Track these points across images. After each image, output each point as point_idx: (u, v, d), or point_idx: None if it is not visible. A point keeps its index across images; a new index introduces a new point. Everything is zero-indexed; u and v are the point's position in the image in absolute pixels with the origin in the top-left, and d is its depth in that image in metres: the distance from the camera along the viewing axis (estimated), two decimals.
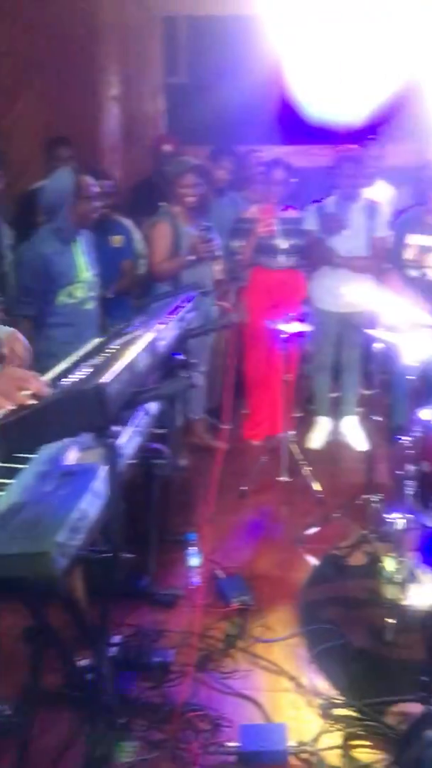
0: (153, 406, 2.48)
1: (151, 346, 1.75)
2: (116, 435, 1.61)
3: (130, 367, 1.57)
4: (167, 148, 5.08)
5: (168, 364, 2.15)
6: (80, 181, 3.29)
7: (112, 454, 1.65)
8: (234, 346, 4.74)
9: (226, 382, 3.79)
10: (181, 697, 2.55)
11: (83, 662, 2.35)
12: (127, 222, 4.42)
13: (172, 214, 4.16)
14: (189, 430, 4.58)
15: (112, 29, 5.41)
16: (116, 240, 4.24)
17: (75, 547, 1.66)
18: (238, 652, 2.88)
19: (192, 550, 3.29)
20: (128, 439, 2.15)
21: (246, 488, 4.08)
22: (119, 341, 1.72)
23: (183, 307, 2.17)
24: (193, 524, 3.48)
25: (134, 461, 2.19)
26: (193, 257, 4.06)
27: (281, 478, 4.13)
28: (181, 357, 2.14)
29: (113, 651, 2.73)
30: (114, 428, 1.64)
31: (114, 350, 1.63)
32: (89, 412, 1.43)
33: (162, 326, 1.94)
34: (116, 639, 2.78)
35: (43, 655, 2.21)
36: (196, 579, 3.21)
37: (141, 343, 1.72)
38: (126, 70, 5.53)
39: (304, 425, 4.90)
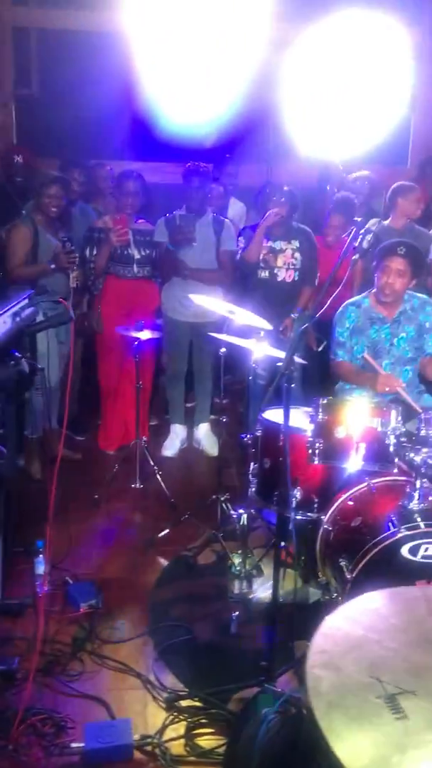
0: None
1: None
2: None
3: None
4: (18, 159, 5.03)
5: (5, 361, 2.13)
6: None
7: None
8: (79, 354, 4.77)
9: (69, 389, 3.82)
10: (24, 702, 2.50)
11: None
12: None
13: (34, 220, 4.15)
14: (46, 440, 4.51)
15: None
16: None
17: None
18: (85, 655, 2.87)
19: (40, 558, 3.24)
20: None
21: (98, 496, 4.08)
22: None
23: (19, 303, 2.18)
24: (42, 533, 3.43)
25: None
26: (53, 266, 4.07)
27: (134, 485, 4.18)
28: (18, 354, 2.14)
29: None
30: None
31: None
32: None
33: None
34: None
35: None
36: (45, 586, 3.17)
37: None
38: None
39: (160, 433, 4.97)
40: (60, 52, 5.84)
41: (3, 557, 3.14)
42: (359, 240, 2.58)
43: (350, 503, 2.96)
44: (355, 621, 1.46)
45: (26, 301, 2.20)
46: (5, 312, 2.03)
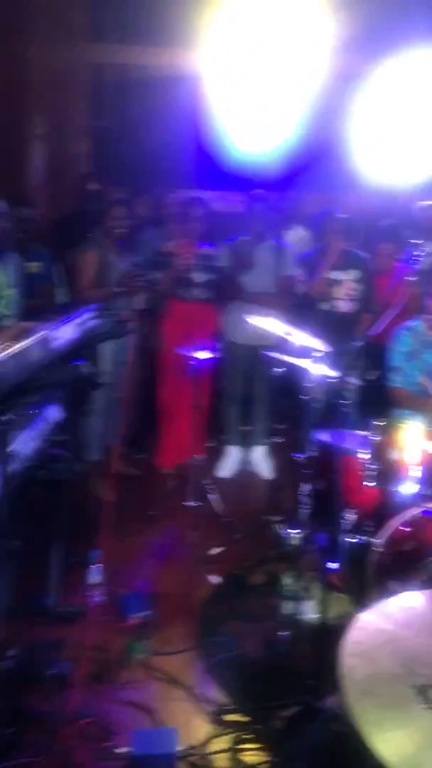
0: (54, 413, 2.57)
1: (43, 341, 1.85)
2: (6, 421, 1.69)
3: (18, 355, 1.66)
4: (92, 186, 5.25)
5: (70, 370, 2.23)
6: None
7: (2, 441, 1.72)
8: (140, 374, 4.88)
9: (127, 408, 3.90)
10: (74, 706, 2.56)
11: None
12: (46, 252, 4.52)
13: (101, 244, 4.31)
14: (105, 458, 4.61)
15: (41, 74, 5.62)
16: (33, 266, 4.31)
17: None
18: (134, 665, 2.91)
19: (95, 568, 3.32)
20: (26, 441, 2.24)
21: (153, 512, 4.15)
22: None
23: (84, 314, 2.29)
24: (98, 544, 3.52)
25: (32, 464, 2.27)
26: (121, 289, 4.21)
27: (189, 504, 4.23)
28: (83, 362, 2.23)
29: (8, 663, 2.74)
30: (4, 416, 1.73)
31: (5, 345, 1.72)
32: None
33: (59, 327, 2.05)
34: (12, 652, 2.79)
35: None
36: (98, 596, 3.24)
37: (33, 338, 1.82)
38: (53, 112, 5.72)
39: (216, 454, 5.03)
40: (133, 85, 6.08)
41: (59, 565, 3.24)
42: (418, 261, 2.60)
43: (404, 527, 2.93)
44: (391, 617, 1.47)
45: (91, 313, 2.31)
46: (71, 321, 2.14)
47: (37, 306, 4.24)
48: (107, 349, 4.11)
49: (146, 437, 5.12)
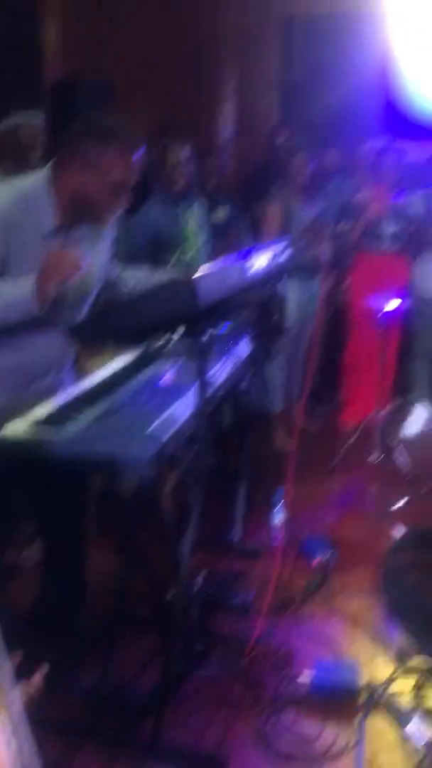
0: (245, 351, 2.64)
1: (239, 267, 1.90)
2: (208, 337, 1.76)
3: (218, 274, 1.72)
4: (280, 139, 5.24)
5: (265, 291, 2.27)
6: (167, 149, 3.47)
7: (202, 355, 1.80)
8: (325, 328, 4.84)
9: (312, 361, 3.88)
10: (257, 633, 2.65)
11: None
12: (233, 203, 4.60)
13: (285, 194, 4.31)
14: (290, 410, 4.65)
15: (231, 30, 5.69)
16: (219, 216, 4.38)
17: (162, 441, 1.84)
18: (316, 603, 2.95)
19: (278, 508, 3.38)
20: (218, 370, 2.33)
21: (336, 464, 4.14)
22: None
23: (279, 244, 2.32)
24: (281, 487, 3.58)
25: (223, 394, 2.36)
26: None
27: (372, 458, 4.16)
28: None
29: (196, 587, 2.88)
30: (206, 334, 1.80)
31: None
32: (180, 302, 1.58)
33: (254, 255, 2.08)
34: (200, 577, 2.92)
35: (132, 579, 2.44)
36: (281, 536, 3.31)
37: (230, 263, 1.88)
38: (242, 68, 5.77)
39: (402, 412, 4.89)
40: (322, 35, 5.94)
41: (244, 502, 3.34)
42: None
43: None
44: None
45: (285, 243, 2.33)
46: (266, 249, 2.18)
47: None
48: (293, 303, 4.12)
49: (330, 392, 5.09)
